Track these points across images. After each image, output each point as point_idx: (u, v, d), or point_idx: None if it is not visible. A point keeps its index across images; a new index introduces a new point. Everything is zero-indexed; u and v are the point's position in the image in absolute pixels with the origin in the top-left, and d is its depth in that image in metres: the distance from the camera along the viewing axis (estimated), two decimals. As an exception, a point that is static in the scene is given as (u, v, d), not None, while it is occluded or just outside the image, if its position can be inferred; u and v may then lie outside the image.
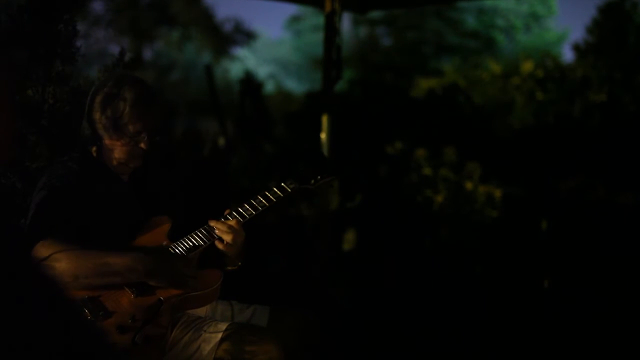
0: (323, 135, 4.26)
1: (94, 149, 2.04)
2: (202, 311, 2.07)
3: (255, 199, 2.09)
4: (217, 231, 2.00)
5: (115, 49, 2.61)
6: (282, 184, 2.14)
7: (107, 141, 2.01)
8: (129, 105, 1.97)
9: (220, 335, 1.87)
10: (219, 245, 2.00)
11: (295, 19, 19.48)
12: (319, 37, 7.86)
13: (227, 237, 1.98)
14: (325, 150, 4.24)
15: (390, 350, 3.33)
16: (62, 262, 1.74)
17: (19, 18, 2.22)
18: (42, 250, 1.74)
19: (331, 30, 4.15)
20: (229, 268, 2.09)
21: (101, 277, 1.78)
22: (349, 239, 5.45)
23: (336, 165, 4.50)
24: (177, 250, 1.97)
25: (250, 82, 6.73)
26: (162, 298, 1.83)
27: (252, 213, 2.05)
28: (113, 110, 1.97)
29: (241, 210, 2.05)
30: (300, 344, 2.02)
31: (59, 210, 1.85)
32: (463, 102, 7.47)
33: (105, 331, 1.70)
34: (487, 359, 3.31)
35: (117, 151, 2.01)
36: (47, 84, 2.31)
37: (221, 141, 6.64)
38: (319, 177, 2.22)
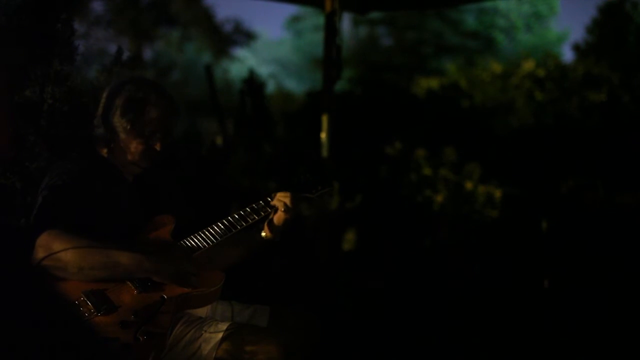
0: (323, 135, 4.26)
1: (105, 150, 2.05)
2: (202, 311, 2.07)
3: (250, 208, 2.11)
4: (281, 198, 2.08)
5: (115, 49, 2.61)
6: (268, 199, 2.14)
7: (121, 142, 2.03)
8: (152, 108, 2.01)
9: (220, 335, 1.87)
10: (280, 209, 2.07)
11: (295, 19, 19.49)
12: (319, 37, 7.85)
13: (288, 201, 2.07)
14: (325, 150, 4.24)
15: (390, 351, 3.33)
16: (67, 253, 1.74)
17: (16, 18, 2.22)
18: (49, 240, 1.74)
19: (331, 30, 4.15)
20: (271, 236, 2.11)
21: (106, 270, 1.78)
22: (349, 239, 5.44)
23: (335, 167, 4.49)
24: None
25: (252, 81, 6.71)
26: (164, 296, 1.83)
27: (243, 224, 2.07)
28: (136, 114, 2.00)
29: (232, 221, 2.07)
30: (300, 344, 2.02)
31: (65, 206, 1.86)
32: (463, 102, 7.47)
33: (106, 326, 1.70)
34: (487, 359, 3.31)
35: (131, 152, 2.03)
36: (46, 84, 2.30)
37: (219, 140, 6.63)
38: (319, 187, 2.24)
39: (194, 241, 2.00)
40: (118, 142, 2.04)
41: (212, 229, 2.03)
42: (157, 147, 2.05)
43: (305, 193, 2.20)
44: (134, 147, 2.03)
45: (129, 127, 2.01)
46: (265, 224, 2.10)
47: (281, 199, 2.08)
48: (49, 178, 1.94)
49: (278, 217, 2.09)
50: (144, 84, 2.05)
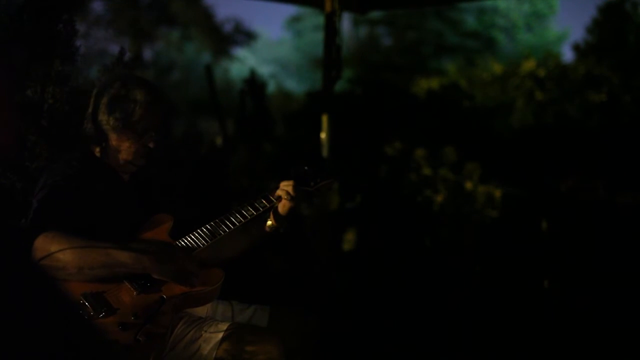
0: (323, 135, 4.26)
1: (98, 149, 2.04)
2: (202, 311, 2.06)
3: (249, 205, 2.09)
4: (284, 187, 2.08)
5: (115, 49, 2.61)
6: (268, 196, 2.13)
7: (113, 141, 2.02)
8: (139, 106, 2.00)
9: (220, 335, 1.87)
10: (284, 198, 2.07)
11: (295, 19, 19.49)
12: (319, 37, 7.85)
13: (290, 190, 2.07)
14: (325, 150, 4.24)
15: (390, 350, 3.33)
16: (66, 254, 1.73)
17: (18, 18, 2.22)
18: (46, 242, 1.73)
19: (331, 30, 4.16)
20: (276, 226, 2.11)
21: (106, 269, 1.77)
22: (349, 239, 5.44)
23: (335, 167, 4.49)
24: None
25: (253, 81, 6.72)
26: (164, 296, 1.83)
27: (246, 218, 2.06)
28: (122, 111, 1.99)
29: (238, 216, 2.06)
30: (300, 344, 2.02)
31: (61, 207, 1.85)
32: (463, 102, 7.47)
33: (106, 328, 1.70)
34: (487, 359, 3.31)
35: (124, 151, 2.03)
36: (47, 84, 2.30)
37: (218, 140, 6.64)
38: (318, 179, 2.22)
39: (192, 239, 1.99)
40: (109, 142, 2.03)
41: (211, 226, 2.02)
42: (151, 145, 2.04)
43: (303, 186, 2.16)
44: (127, 146, 2.02)
45: (118, 126, 1.99)
46: (271, 213, 2.10)
47: (284, 188, 2.08)
48: (43, 180, 1.94)
49: (283, 206, 2.09)
50: (131, 82, 2.03)
